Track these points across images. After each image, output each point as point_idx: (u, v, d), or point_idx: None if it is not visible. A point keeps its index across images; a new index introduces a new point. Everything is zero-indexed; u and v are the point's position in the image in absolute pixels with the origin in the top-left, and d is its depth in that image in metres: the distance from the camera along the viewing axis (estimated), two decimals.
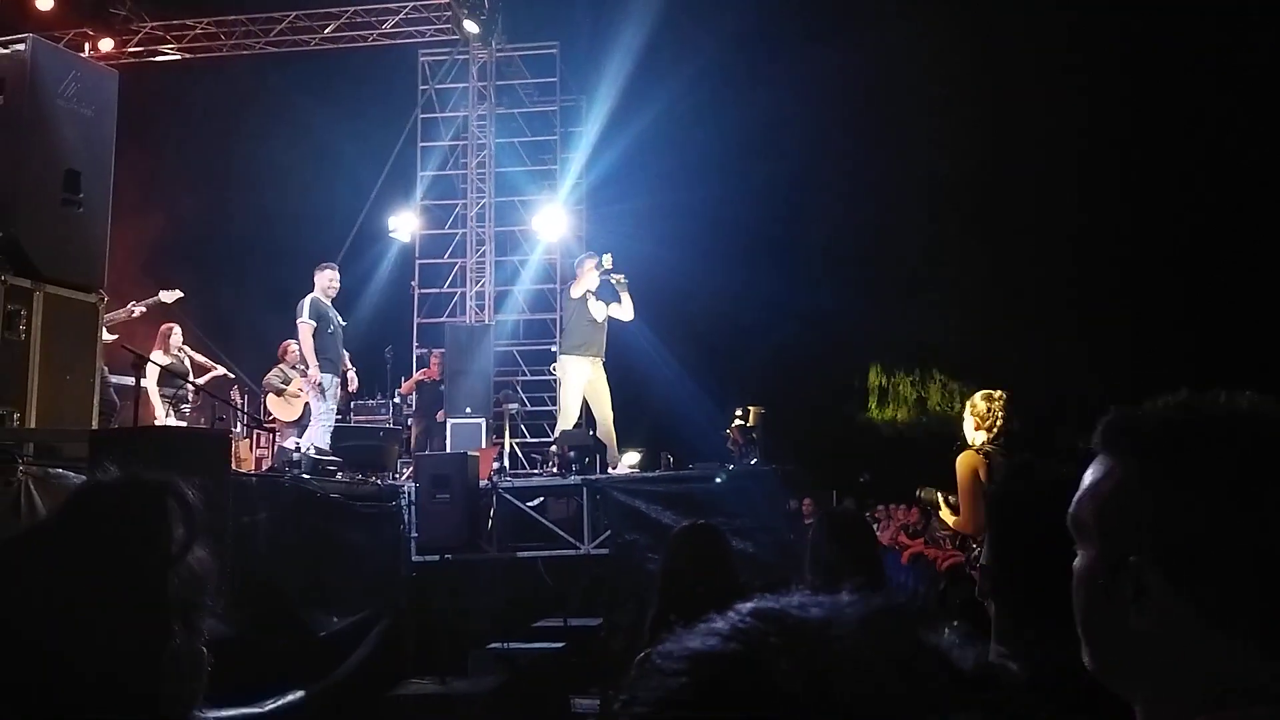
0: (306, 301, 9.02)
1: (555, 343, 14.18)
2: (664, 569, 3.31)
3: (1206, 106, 17.18)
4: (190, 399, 9.72)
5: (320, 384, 8.88)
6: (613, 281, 9.59)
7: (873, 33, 17.42)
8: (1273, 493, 0.93)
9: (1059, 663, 1.20)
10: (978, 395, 5.10)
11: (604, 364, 9.60)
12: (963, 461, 5.00)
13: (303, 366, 10.23)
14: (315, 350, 8.91)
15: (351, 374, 9.52)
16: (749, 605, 0.59)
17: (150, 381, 8.87)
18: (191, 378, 9.59)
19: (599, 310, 9.56)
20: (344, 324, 9.37)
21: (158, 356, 9.18)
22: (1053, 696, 1.43)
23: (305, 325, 8.94)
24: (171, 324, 9.65)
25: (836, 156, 18.21)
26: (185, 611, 1.17)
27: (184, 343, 9.75)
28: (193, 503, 1.20)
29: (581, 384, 9.53)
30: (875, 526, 11.93)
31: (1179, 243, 17.69)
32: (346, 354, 9.40)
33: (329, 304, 9.18)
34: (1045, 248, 18.32)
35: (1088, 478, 1.04)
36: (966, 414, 5.09)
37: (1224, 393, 1.00)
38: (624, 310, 9.63)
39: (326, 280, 9.24)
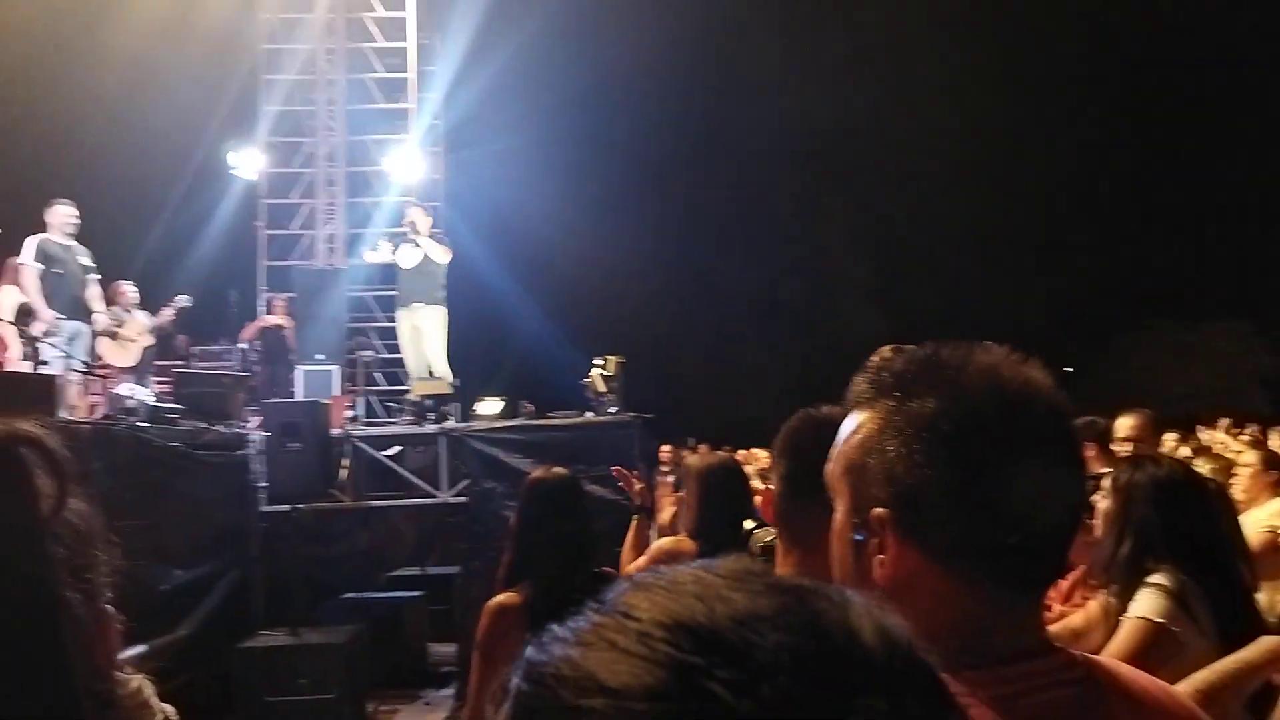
0: (30, 241, 8.35)
1: None
2: (517, 517, 3.32)
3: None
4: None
5: (48, 332, 8.15)
6: (407, 229, 9.79)
7: None
8: (986, 441, 0.95)
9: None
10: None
11: (431, 308, 9.73)
12: None
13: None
14: (44, 295, 8.28)
15: (167, 311, 9.11)
16: (643, 608, 0.49)
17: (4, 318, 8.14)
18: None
19: (402, 257, 9.74)
20: (93, 265, 8.73)
21: (9, 293, 8.44)
22: None
23: (27, 269, 8.26)
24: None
25: (705, 101, 18.29)
26: (77, 573, 1.04)
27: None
28: (54, 449, 1.03)
29: (405, 333, 9.80)
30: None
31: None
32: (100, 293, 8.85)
33: (66, 243, 8.57)
34: (913, 205, 18.96)
35: (840, 432, 1.06)
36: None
37: (963, 344, 1.02)
38: (430, 253, 9.70)
39: (60, 218, 8.62)
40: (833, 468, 1.06)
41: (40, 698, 0.96)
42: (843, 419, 1.07)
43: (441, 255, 9.75)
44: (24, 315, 8.39)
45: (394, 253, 9.79)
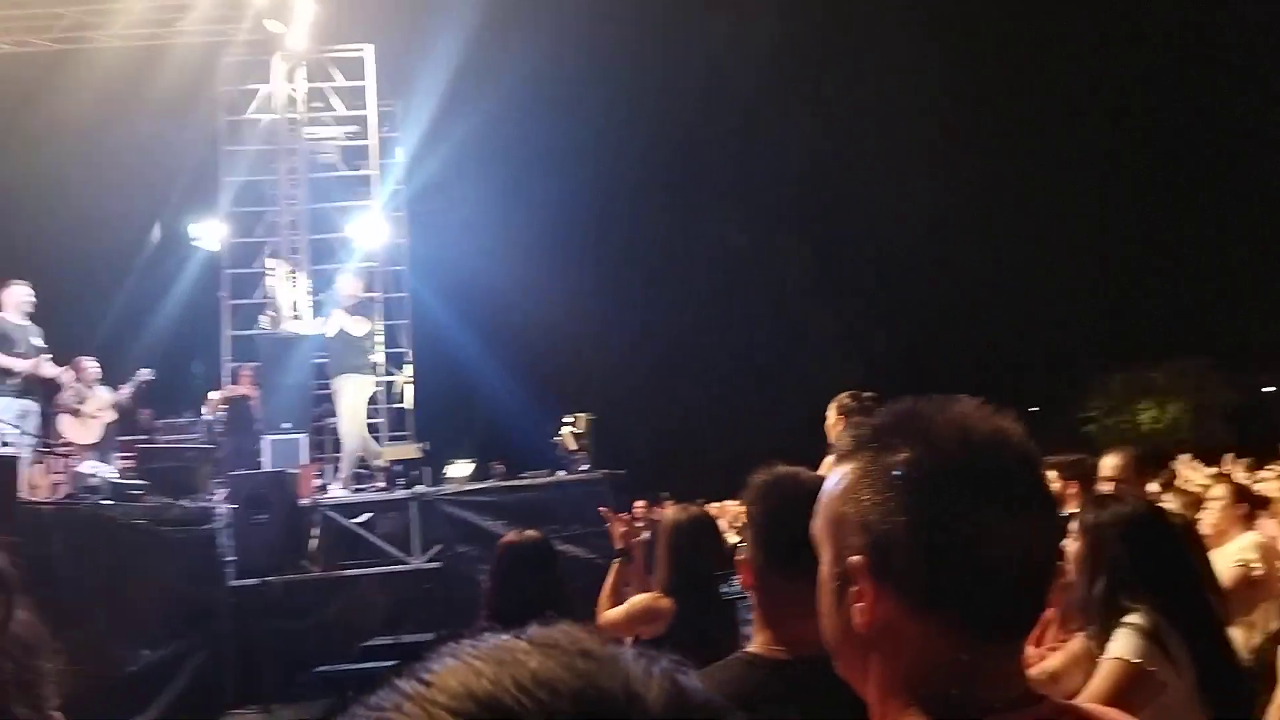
0: None
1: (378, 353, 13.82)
2: (490, 581, 3.29)
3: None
4: None
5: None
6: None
7: (702, 37, 17.77)
8: (955, 488, 0.98)
9: (814, 651, 1.23)
10: (845, 395, 4.92)
11: (345, 378, 9.66)
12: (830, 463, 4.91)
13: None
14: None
15: (128, 387, 9.28)
16: (451, 688, 0.51)
17: None
18: None
19: (329, 325, 9.84)
20: (44, 345, 8.61)
21: None
22: (804, 684, 1.53)
23: None
24: None
25: (665, 165, 18.51)
26: (24, 687, 1.02)
27: None
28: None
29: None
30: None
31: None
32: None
33: (21, 323, 8.46)
34: (879, 252, 19.17)
35: (824, 487, 1.09)
36: (831, 414, 4.90)
37: (938, 397, 1.05)
38: (342, 324, 9.70)
39: (16, 298, 8.54)
40: (817, 521, 1.08)
41: None
42: (810, 479, 1.13)
43: (354, 326, 9.63)
44: None
45: (324, 321, 9.78)
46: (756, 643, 1.85)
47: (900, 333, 18.95)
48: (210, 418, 11.19)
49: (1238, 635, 3.49)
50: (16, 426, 7.97)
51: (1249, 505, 4.65)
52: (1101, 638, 2.59)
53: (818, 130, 18.40)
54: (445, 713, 0.48)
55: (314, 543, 8.21)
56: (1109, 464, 4.55)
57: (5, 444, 7.55)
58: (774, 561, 1.86)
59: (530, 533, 3.48)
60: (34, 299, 8.59)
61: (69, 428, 9.62)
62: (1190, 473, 6.92)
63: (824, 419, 4.88)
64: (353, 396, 9.55)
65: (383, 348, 13.75)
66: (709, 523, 3.76)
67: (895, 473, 0.99)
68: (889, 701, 1.01)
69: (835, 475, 1.06)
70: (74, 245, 13.31)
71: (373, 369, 9.83)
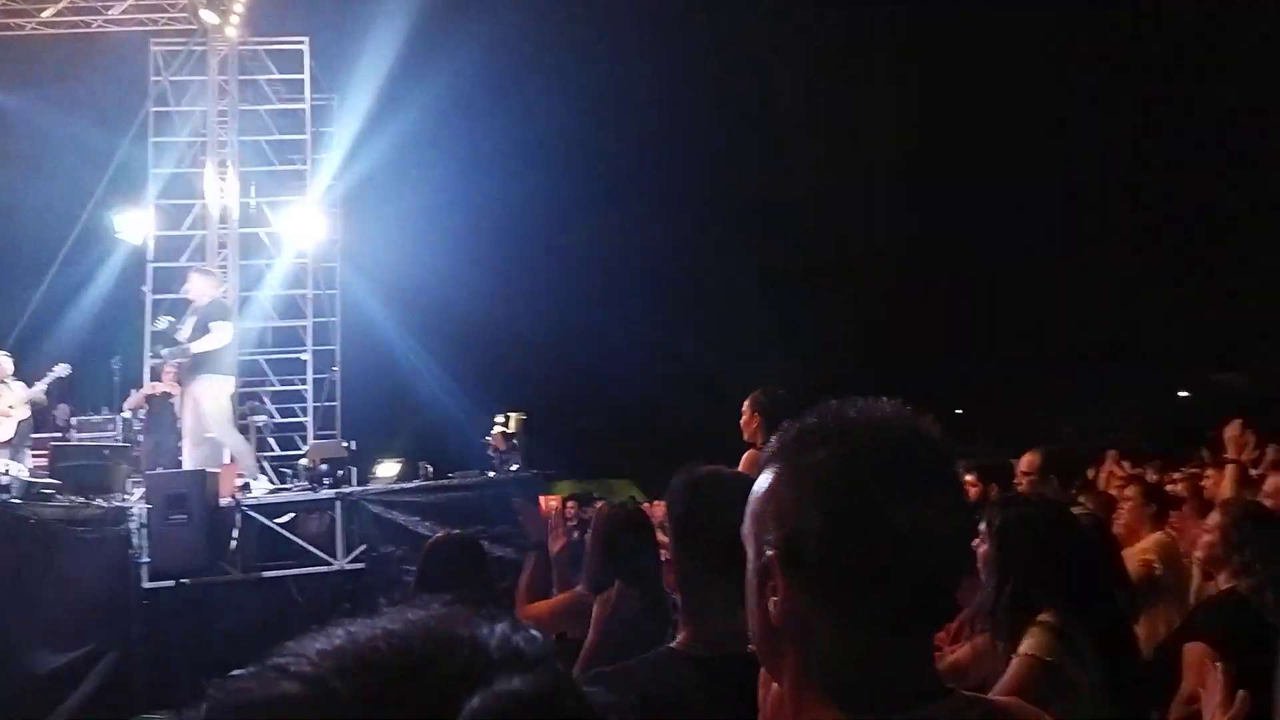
0: None
1: (305, 349, 13.56)
2: (416, 582, 3.24)
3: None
4: None
5: None
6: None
7: (644, 32, 17.77)
8: (866, 485, 1.00)
9: (735, 649, 1.26)
10: (759, 392, 4.90)
11: (203, 379, 8.88)
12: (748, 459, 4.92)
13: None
14: None
15: (42, 383, 9.01)
16: (313, 644, 0.56)
17: None
18: None
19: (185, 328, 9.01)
20: None
21: None
22: (722, 682, 1.56)
23: None
24: None
25: (602, 160, 18.47)
26: None
27: None
28: None
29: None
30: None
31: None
32: None
33: None
34: (820, 248, 19.27)
35: (753, 485, 1.12)
36: (746, 410, 4.91)
37: (859, 400, 1.08)
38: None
39: None
40: (745, 520, 1.11)
41: None
42: (731, 476, 1.18)
43: (213, 330, 8.69)
44: None
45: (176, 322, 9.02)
46: (679, 640, 1.85)
47: (841, 333, 19.15)
48: (129, 415, 10.87)
49: (1142, 630, 3.55)
50: None
51: (1158, 506, 4.75)
52: (1013, 637, 2.60)
53: (758, 124, 18.53)
54: (306, 668, 0.53)
55: (234, 544, 8.00)
56: (1022, 462, 4.61)
57: None
58: (695, 559, 1.85)
59: (458, 532, 3.44)
60: None
61: None
62: (1115, 468, 7.09)
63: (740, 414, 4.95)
64: (214, 400, 8.83)
65: (310, 344, 13.54)
66: (644, 518, 3.73)
67: (811, 470, 1.02)
68: (802, 694, 1.03)
69: (762, 475, 1.09)
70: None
71: (233, 369, 9.15)
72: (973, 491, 4.55)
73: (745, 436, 4.83)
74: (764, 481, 1.08)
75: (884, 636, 1.00)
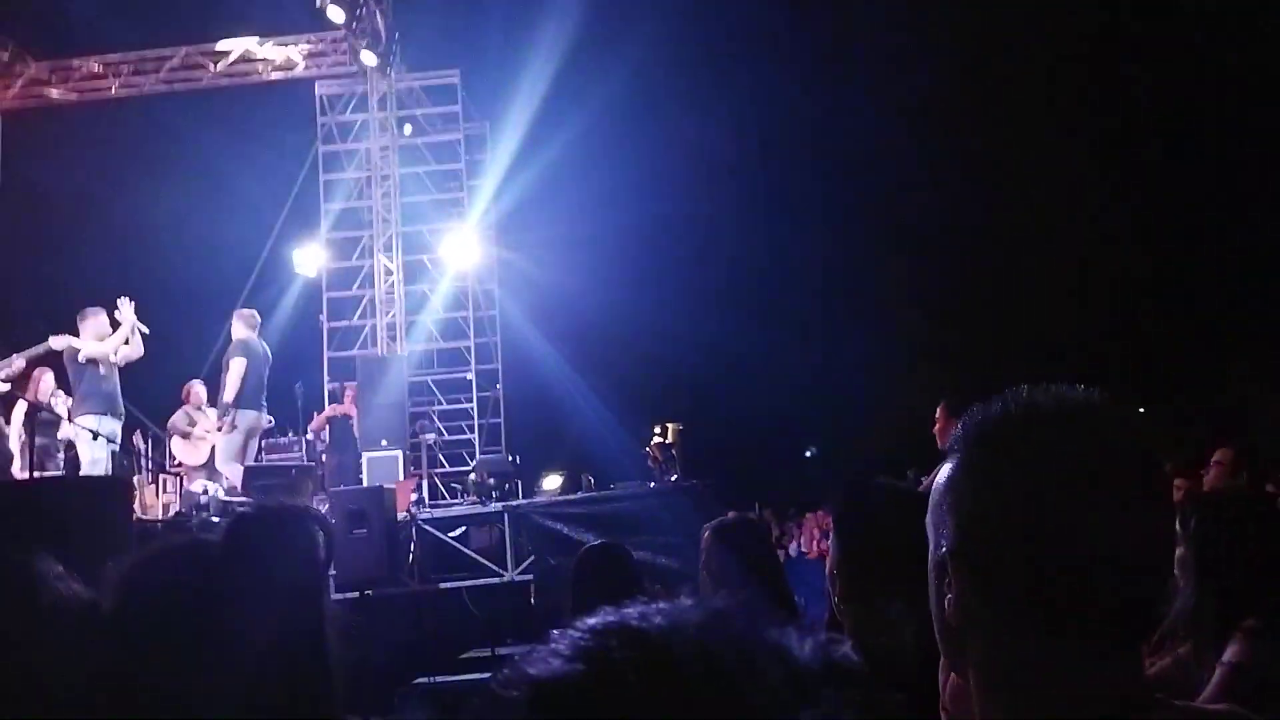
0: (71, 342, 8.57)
1: (468, 369, 14.07)
2: (571, 595, 3.32)
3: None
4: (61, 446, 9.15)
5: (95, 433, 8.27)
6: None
7: (786, 60, 17.68)
8: (1054, 483, 0.92)
9: (903, 663, 1.23)
10: (952, 396, 4.90)
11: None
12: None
13: (209, 408, 9.95)
14: (86, 395, 8.52)
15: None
16: (589, 621, 0.58)
17: (13, 429, 8.39)
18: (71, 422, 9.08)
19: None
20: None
21: (20, 405, 8.65)
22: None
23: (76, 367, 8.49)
24: (44, 368, 9.11)
25: (751, 184, 18.43)
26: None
27: (56, 388, 9.18)
28: (328, 523, 1.26)
29: None
30: (796, 533, 12.05)
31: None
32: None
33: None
34: (974, 260, 18.67)
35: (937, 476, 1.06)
36: (940, 415, 4.87)
37: (1047, 388, 0.99)
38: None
39: (99, 325, 8.75)
40: (929, 510, 1.06)
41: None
42: (900, 489, 1.13)
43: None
44: (42, 427, 8.57)
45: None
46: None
47: (1002, 334, 18.41)
48: (312, 437, 11.55)
49: None
50: (126, 447, 8.33)
51: None
52: (1215, 647, 2.45)
53: (915, 145, 18.07)
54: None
55: (411, 556, 8.37)
56: (1214, 459, 4.32)
57: (124, 464, 7.92)
58: (859, 571, 1.83)
59: (605, 543, 3.52)
60: (110, 326, 8.84)
61: (180, 449, 10.04)
62: None
63: (933, 422, 4.86)
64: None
65: (474, 364, 14.06)
66: (757, 525, 3.77)
67: (993, 464, 0.96)
68: (988, 696, 0.96)
69: (944, 465, 1.03)
70: (187, 275, 13.91)
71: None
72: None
73: (940, 445, 4.73)
74: (945, 471, 1.02)
75: (1074, 647, 0.91)
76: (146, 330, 8.91)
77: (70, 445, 8.49)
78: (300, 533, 1.22)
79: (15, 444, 8.36)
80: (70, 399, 8.86)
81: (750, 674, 0.52)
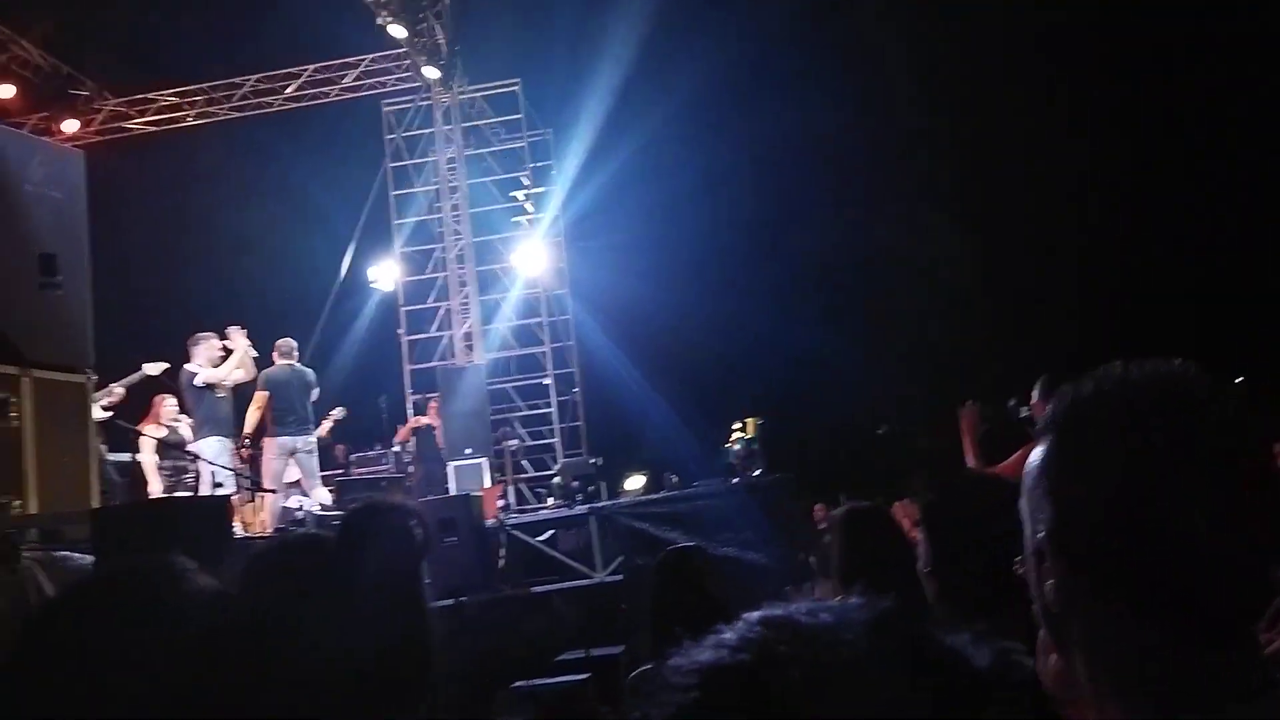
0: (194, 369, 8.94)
1: (546, 374, 14.21)
2: (651, 599, 3.36)
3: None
4: (191, 468, 9.61)
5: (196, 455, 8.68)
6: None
7: (858, 67, 17.43)
8: (1152, 463, 0.89)
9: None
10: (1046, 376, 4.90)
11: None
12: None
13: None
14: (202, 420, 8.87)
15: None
16: (757, 614, 0.60)
17: (146, 455, 8.82)
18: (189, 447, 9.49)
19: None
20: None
21: (151, 429, 9.11)
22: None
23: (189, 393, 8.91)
24: (164, 394, 9.54)
25: (820, 187, 18.21)
26: None
27: (179, 412, 9.63)
28: (427, 519, 1.36)
29: None
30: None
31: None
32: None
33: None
34: (1051, 238, 18.20)
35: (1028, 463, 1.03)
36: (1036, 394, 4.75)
37: (1141, 363, 0.96)
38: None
39: (212, 350, 9.11)
40: (1022, 495, 1.03)
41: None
42: (991, 482, 1.09)
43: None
44: (165, 450, 8.93)
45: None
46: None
47: (1082, 302, 17.92)
48: (399, 448, 11.79)
49: None
50: (228, 467, 8.63)
51: None
52: None
53: (987, 128, 17.68)
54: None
55: (502, 562, 8.49)
56: None
57: (219, 484, 8.18)
58: (947, 564, 1.82)
59: (681, 548, 3.55)
60: (223, 350, 9.20)
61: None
62: None
63: (1027, 398, 4.77)
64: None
65: (551, 369, 14.20)
66: (885, 514, 3.66)
67: (1086, 446, 0.93)
68: (1094, 686, 0.93)
69: (1036, 448, 1.00)
70: (269, 294, 14.30)
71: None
72: None
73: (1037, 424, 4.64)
74: (1037, 454, 0.98)
75: (1183, 632, 0.88)
76: (256, 354, 9.24)
77: (194, 468, 8.88)
78: (403, 523, 1.34)
79: (151, 470, 8.79)
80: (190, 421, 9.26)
81: (918, 679, 0.53)
